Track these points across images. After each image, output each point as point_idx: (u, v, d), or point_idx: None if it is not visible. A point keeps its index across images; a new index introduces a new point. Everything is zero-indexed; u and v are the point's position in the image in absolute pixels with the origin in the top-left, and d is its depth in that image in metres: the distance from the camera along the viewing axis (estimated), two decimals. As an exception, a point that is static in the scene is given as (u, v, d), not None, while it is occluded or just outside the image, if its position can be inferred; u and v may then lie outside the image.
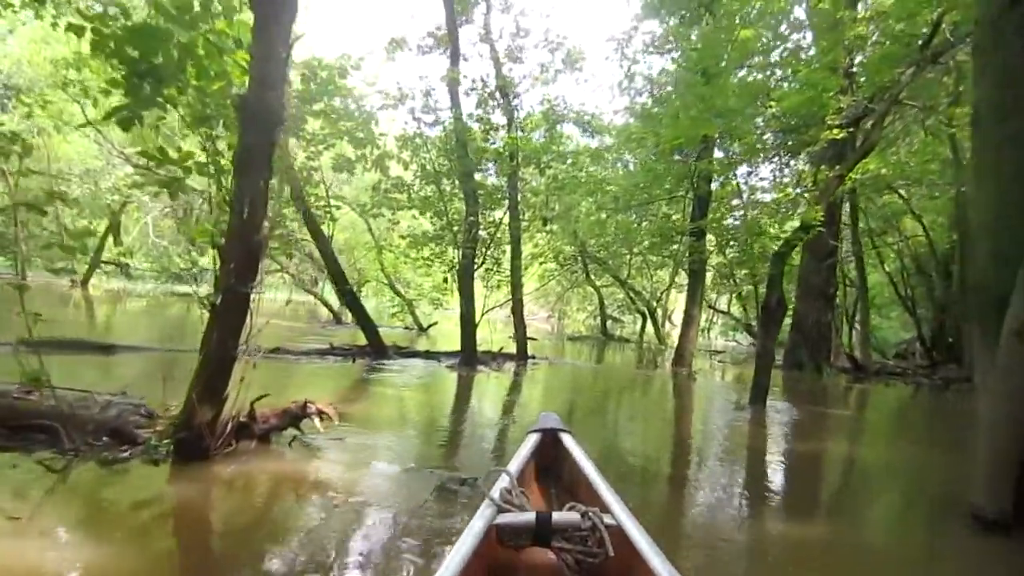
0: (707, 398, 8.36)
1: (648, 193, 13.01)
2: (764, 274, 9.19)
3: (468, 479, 3.25)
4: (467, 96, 10.13)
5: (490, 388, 7.32)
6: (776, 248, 8.42)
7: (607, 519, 1.73)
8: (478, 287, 10.22)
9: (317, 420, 3.71)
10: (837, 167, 8.32)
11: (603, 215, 14.72)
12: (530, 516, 1.74)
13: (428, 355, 9.34)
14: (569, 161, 10.83)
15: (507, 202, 10.02)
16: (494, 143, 9.48)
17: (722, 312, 27.61)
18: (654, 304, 23.64)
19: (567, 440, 2.53)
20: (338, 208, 9.76)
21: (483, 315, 9.36)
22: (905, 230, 18.86)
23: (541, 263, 16.28)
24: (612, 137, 14.70)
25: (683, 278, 21.42)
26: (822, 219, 7.79)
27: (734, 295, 23.24)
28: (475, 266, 9.16)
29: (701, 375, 10.92)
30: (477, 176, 9.57)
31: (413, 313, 15.78)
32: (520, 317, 10.48)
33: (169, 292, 23.99)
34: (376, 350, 8.80)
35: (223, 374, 3.13)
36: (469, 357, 8.67)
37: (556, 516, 1.73)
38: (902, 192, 16.06)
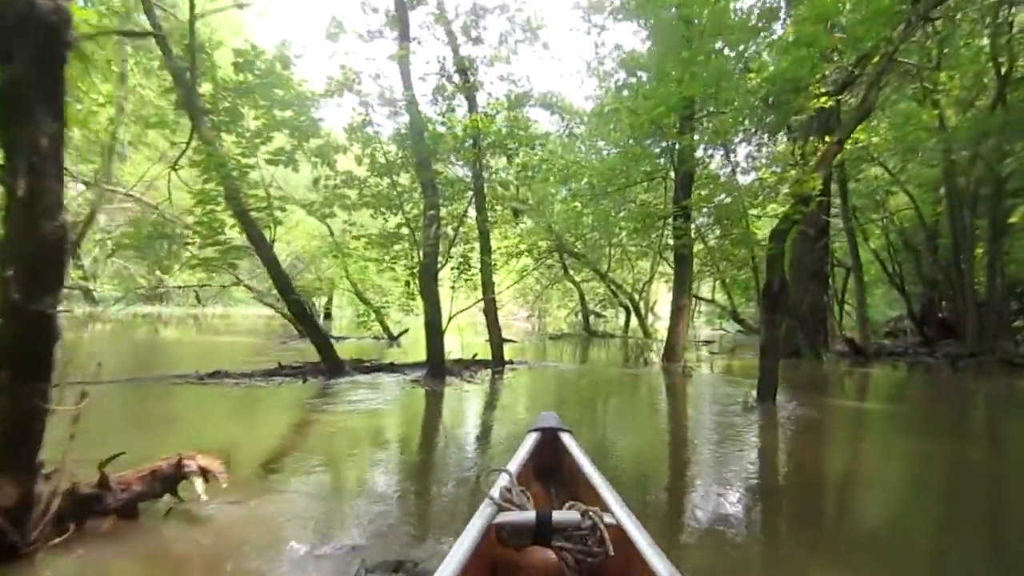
0: (708, 398, 7.46)
1: (626, 177, 12.04)
2: (761, 256, 8.36)
3: (407, 562, 2.27)
4: (423, 81, 9.23)
5: (457, 407, 6.28)
6: (765, 228, 7.60)
7: (607, 518, 1.70)
8: (446, 289, 9.22)
9: (199, 481, 2.68)
10: (828, 137, 7.63)
11: (578, 205, 13.78)
12: (530, 515, 1.71)
13: (392, 368, 8.30)
14: (539, 145, 9.81)
15: (471, 193, 9.01)
16: (453, 128, 8.48)
17: (706, 300, 26.95)
18: (636, 296, 22.85)
19: (566, 439, 2.49)
20: (283, 211, 8.62)
21: (451, 319, 8.31)
22: (890, 206, 18.35)
23: (516, 258, 15.22)
24: (583, 121, 13.79)
25: (665, 267, 20.69)
26: (821, 188, 7.06)
27: (718, 282, 22.54)
28: (439, 265, 8.12)
29: (695, 370, 10.03)
30: (438, 168, 8.57)
31: (382, 321, 14.64)
32: (494, 319, 9.45)
33: (133, 314, 22.85)
34: (331, 367, 7.74)
35: (27, 434, 2.10)
36: (437, 368, 7.64)
37: (556, 515, 1.70)
38: (888, 164, 15.52)
